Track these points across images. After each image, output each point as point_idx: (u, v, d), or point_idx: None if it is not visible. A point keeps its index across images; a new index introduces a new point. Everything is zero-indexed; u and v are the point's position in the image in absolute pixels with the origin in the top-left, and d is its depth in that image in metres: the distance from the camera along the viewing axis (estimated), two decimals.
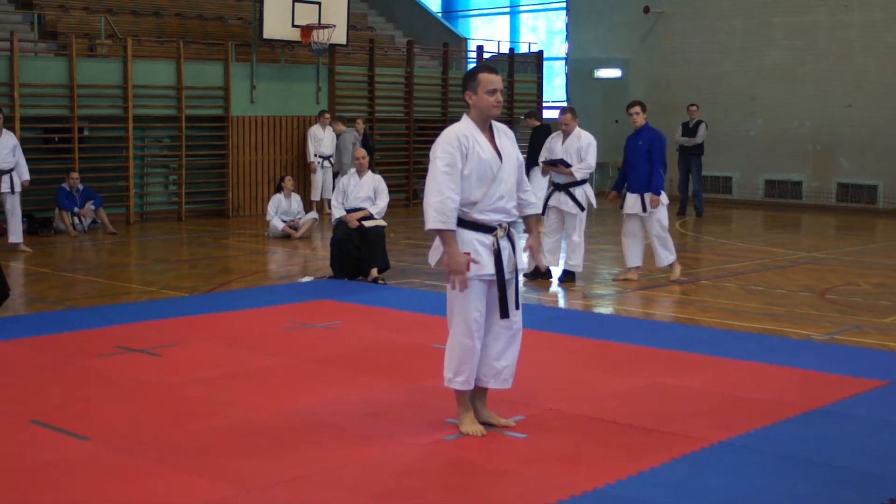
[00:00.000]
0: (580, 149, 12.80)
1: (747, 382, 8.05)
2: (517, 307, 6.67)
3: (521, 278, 6.83)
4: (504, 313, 6.58)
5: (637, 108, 13.21)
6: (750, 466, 6.04)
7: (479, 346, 6.58)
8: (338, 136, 20.80)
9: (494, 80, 6.55)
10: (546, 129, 19.84)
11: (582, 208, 12.89)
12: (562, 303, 12.00)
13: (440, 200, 6.33)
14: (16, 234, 15.46)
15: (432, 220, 6.36)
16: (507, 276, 6.55)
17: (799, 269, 14.36)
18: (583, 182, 12.92)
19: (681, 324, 10.59)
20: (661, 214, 13.10)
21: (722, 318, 10.80)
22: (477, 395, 6.81)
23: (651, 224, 13.09)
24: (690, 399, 7.54)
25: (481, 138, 6.53)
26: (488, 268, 6.49)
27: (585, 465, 6.05)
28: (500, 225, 6.54)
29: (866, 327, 10.37)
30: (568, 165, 12.74)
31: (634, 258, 13.27)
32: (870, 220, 21.65)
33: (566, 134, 12.97)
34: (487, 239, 6.50)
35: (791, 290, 12.66)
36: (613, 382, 8.02)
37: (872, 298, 12.09)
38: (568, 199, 12.85)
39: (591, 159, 12.84)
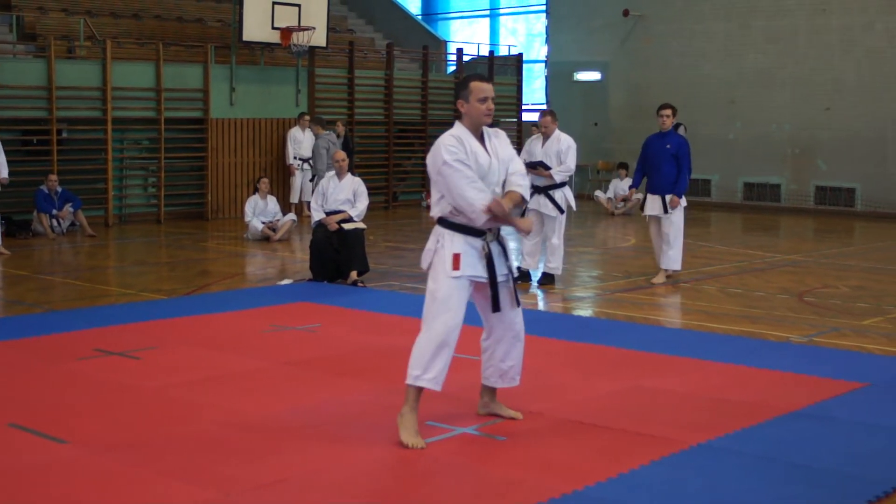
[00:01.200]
0: (560, 151, 12.83)
1: (727, 385, 8.07)
2: (518, 304, 6.78)
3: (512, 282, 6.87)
4: (496, 307, 6.67)
5: (668, 111, 13.24)
6: (730, 468, 6.06)
7: (453, 347, 6.60)
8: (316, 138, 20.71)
9: (486, 89, 6.68)
10: None
11: (561, 211, 12.92)
12: (541, 305, 12.01)
13: (472, 186, 6.46)
14: None
15: (478, 200, 6.44)
16: (500, 279, 6.65)
17: (777, 272, 14.41)
18: (562, 185, 12.95)
19: (660, 326, 10.62)
20: (679, 217, 13.24)
21: (701, 321, 10.83)
22: (487, 390, 7.05)
23: (668, 225, 13.20)
24: (670, 401, 7.56)
25: (475, 144, 6.64)
26: (478, 270, 6.57)
27: (565, 468, 6.06)
28: (489, 229, 6.62)
29: (844, 329, 10.41)
30: (547, 168, 12.76)
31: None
32: (848, 223, 21.73)
33: (546, 136, 13.00)
34: (477, 242, 6.59)
35: (769, 292, 12.69)
36: (593, 385, 8.03)
37: (850, 301, 12.13)
38: (547, 201, 12.87)
39: (571, 162, 12.88)
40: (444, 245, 6.62)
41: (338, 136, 19.94)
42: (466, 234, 6.58)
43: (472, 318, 6.76)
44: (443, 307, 6.54)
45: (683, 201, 13.27)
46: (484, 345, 6.94)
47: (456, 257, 6.55)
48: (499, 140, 6.81)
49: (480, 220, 6.49)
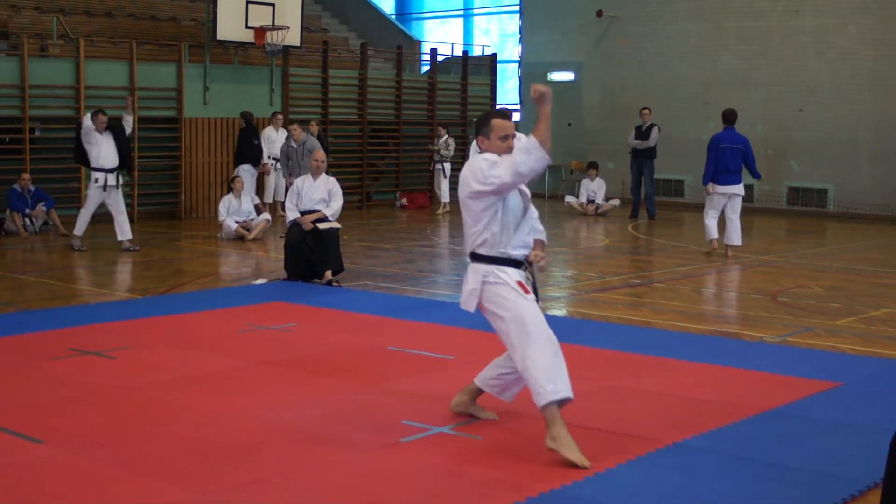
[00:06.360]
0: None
1: (701, 384, 8.11)
2: None
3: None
4: None
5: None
6: (705, 467, 6.08)
7: (561, 353, 6.44)
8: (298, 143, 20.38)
9: (507, 126, 6.52)
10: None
11: None
12: None
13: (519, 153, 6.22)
14: None
15: (534, 144, 6.17)
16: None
17: (751, 272, 14.46)
18: None
19: (635, 326, 10.63)
20: (707, 201, 16.25)
21: (675, 321, 10.86)
22: (470, 391, 7.04)
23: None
24: (645, 401, 7.59)
25: None
26: (532, 298, 6.46)
27: (542, 467, 6.07)
28: (525, 258, 6.54)
29: (818, 329, 10.46)
30: None
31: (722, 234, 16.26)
32: (820, 224, 21.85)
33: None
34: (521, 274, 6.47)
35: (743, 292, 12.75)
36: None
37: (823, 301, 12.20)
38: None
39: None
40: (497, 280, 6.42)
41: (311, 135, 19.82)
42: (512, 267, 6.43)
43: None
44: (535, 321, 6.37)
45: (710, 189, 16.15)
46: (500, 364, 6.85)
47: (521, 285, 6.41)
48: None
49: (548, 150, 6.20)
